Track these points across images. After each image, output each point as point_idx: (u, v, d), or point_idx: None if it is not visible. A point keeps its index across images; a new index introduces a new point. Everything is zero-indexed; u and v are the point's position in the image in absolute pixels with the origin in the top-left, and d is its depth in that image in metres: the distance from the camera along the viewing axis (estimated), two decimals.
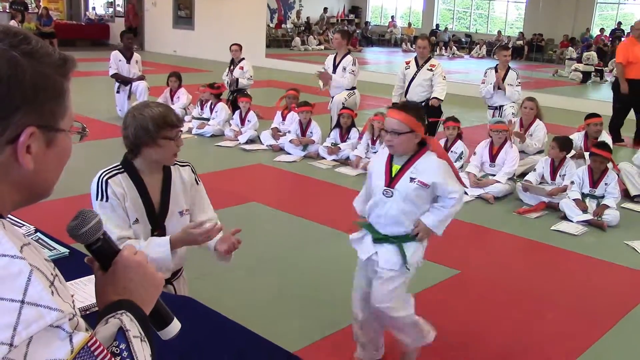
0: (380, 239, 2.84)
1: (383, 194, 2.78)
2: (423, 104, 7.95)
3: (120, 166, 2.40)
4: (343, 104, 7.59)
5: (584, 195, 5.50)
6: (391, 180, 2.78)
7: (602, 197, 5.49)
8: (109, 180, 2.34)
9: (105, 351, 0.87)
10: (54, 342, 0.81)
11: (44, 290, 0.81)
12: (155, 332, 1.13)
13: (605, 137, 6.59)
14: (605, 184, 5.51)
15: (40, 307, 0.80)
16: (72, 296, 0.92)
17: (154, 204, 2.44)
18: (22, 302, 0.79)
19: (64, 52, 0.99)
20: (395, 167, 2.78)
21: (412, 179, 2.73)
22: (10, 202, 0.93)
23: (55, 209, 3.30)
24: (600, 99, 12.54)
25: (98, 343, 0.86)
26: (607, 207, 5.37)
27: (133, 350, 0.95)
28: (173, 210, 2.49)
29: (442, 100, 7.80)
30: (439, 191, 2.77)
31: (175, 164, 2.53)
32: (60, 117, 0.95)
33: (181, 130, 2.43)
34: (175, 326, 1.12)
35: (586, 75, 16.46)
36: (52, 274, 0.87)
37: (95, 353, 0.85)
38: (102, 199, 2.33)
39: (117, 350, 0.93)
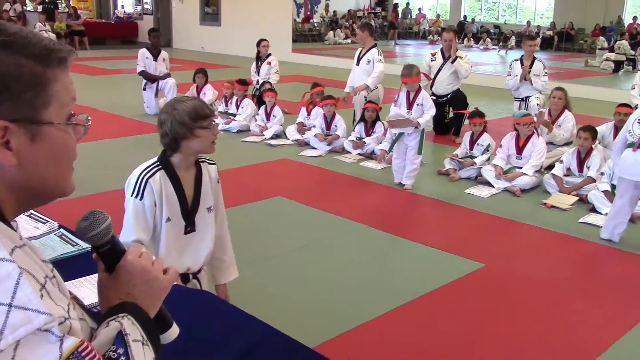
0: None
1: None
2: (449, 96, 7.92)
3: (158, 163, 2.45)
4: (365, 97, 7.56)
5: (613, 187, 5.40)
6: None
7: None
8: (150, 180, 2.39)
9: (98, 356, 0.84)
10: (42, 346, 0.78)
11: (33, 293, 0.79)
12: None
13: None
14: None
15: (28, 310, 0.77)
16: (73, 298, 0.89)
17: (187, 199, 2.49)
18: (10, 305, 0.77)
19: (65, 45, 0.94)
20: None
21: None
22: (9, 204, 0.89)
23: (82, 206, 3.36)
24: None
25: (90, 348, 0.83)
26: None
27: (131, 354, 0.92)
28: (203, 206, 2.54)
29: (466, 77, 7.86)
30: None
31: (204, 161, 2.58)
32: (43, 108, 0.88)
33: (214, 120, 2.48)
34: (174, 331, 1.09)
35: (618, 65, 16.11)
36: (44, 277, 0.84)
37: (87, 358, 0.82)
38: (136, 197, 2.38)
39: (114, 355, 0.91)
